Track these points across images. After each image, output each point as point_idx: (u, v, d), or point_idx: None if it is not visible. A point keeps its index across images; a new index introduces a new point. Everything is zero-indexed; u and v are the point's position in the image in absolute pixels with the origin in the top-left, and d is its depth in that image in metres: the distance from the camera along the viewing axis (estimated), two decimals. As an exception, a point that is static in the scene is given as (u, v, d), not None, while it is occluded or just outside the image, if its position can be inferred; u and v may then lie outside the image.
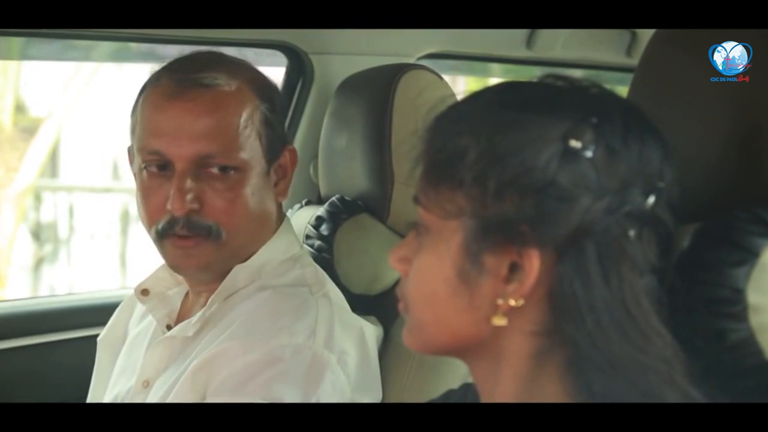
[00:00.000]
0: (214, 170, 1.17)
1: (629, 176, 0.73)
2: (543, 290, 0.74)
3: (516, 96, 0.77)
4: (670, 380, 0.72)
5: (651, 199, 0.74)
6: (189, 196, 1.15)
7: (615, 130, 0.73)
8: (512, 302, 0.74)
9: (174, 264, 1.22)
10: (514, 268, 0.74)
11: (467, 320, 0.76)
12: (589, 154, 0.72)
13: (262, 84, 1.24)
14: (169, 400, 1.16)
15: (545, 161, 0.72)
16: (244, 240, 1.21)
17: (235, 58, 1.27)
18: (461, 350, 0.80)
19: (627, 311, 0.73)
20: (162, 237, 1.19)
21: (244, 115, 1.19)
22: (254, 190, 1.19)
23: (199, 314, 1.22)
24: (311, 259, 1.30)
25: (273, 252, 1.25)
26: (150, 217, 1.20)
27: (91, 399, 1.39)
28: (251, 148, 1.19)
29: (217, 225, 1.17)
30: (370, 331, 1.25)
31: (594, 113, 0.74)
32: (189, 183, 1.16)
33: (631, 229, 0.73)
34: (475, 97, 0.79)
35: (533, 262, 0.73)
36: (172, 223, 1.17)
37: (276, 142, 1.23)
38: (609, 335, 0.72)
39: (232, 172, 1.17)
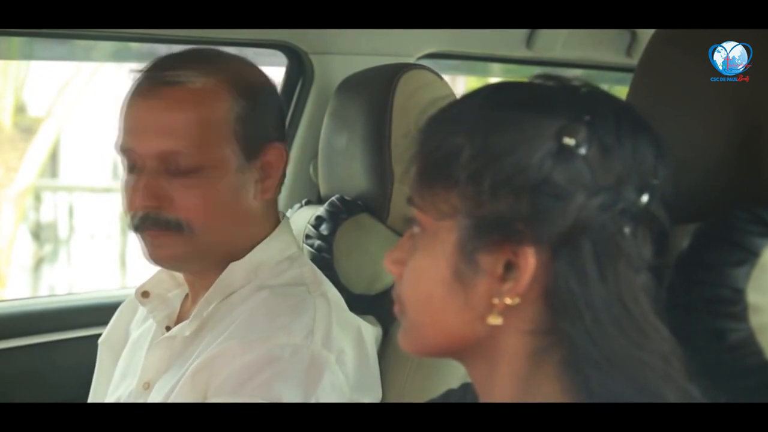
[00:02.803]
0: (180, 167, 1.16)
1: (623, 173, 0.73)
2: (539, 288, 0.73)
3: (508, 96, 0.77)
4: (667, 377, 0.72)
5: (645, 196, 0.74)
6: (149, 193, 1.16)
7: (608, 127, 0.73)
8: (508, 301, 0.74)
9: (148, 257, 1.22)
10: (509, 267, 0.74)
11: (463, 320, 0.76)
12: (583, 151, 0.72)
13: (243, 81, 1.22)
14: (170, 401, 1.16)
15: (539, 159, 0.72)
16: (218, 236, 1.20)
17: (224, 54, 1.27)
18: (458, 351, 0.79)
19: (624, 307, 0.73)
20: (136, 231, 1.20)
21: (214, 113, 1.18)
22: (226, 187, 1.19)
23: (195, 311, 1.22)
24: (308, 259, 1.30)
25: (270, 251, 1.24)
26: (126, 213, 1.22)
27: (92, 401, 1.39)
28: (221, 146, 1.18)
29: (181, 219, 1.17)
30: (369, 330, 1.25)
31: (586, 111, 0.74)
32: (151, 180, 1.16)
33: (626, 227, 0.73)
34: (467, 98, 0.79)
35: (529, 261, 0.72)
36: (143, 218, 1.18)
37: (256, 139, 1.21)
38: (607, 331, 0.72)
39: (200, 169, 1.17)
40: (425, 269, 0.77)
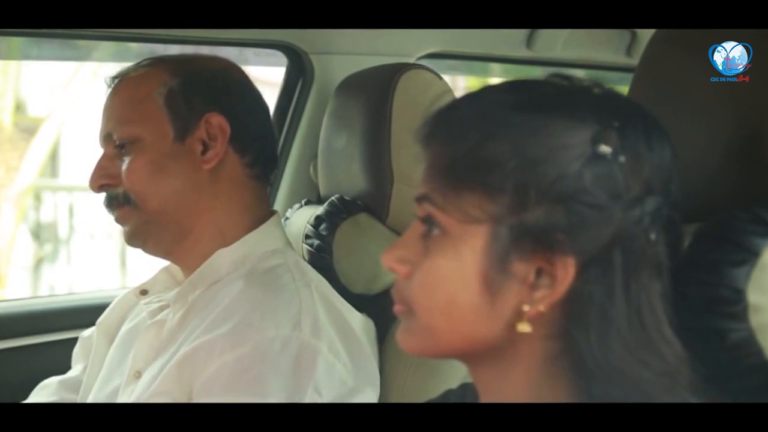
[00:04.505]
0: (117, 145, 1.26)
1: (651, 179, 0.73)
2: (563, 295, 0.73)
3: (537, 97, 0.75)
4: (671, 391, 0.72)
5: (667, 201, 0.74)
6: (99, 173, 1.27)
7: (638, 133, 0.73)
8: (541, 308, 0.73)
9: (124, 238, 1.31)
10: (538, 274, 0.73)
11: (487, 326, 0.74)
12: (618, 158, 0.72)
13: (183, 63, 1.30)
14: (154, 387, 1.17)
15: (579, 167, 0.71)
16: (162, 204, 1.26)
17: (183, 53, 1.36)
18: (471, 355, 0.77)
19: (639, 319, 0.72)
20: (109, 213, 1.30)
21: (143, 93, 1.27)
22: (158, 158, 1.25)
23: (178, 292, 1.25)
24: (294, 252, 1.31)
25: (257, 243, 1.27)
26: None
27: (86, 380, 1.40)
28: (149, 121, 1.26)
29: (127, 192, 1.26)
30: (358, 321, 1.25)
31: (616, 117, 0.73)
32: (102, 160, 1.28)
33: (652, 233, 0.73)
34: (489, 96, 0.76)
35: (569, 270, 0.72)
36: (105, 198, 1.29)
37: (188, 113, 1.26)
38: (610, 346, 0.72)
39: (132, 144, 1.25)
40: (447, 273, 0.74)
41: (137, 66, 1.31)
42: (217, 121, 1.26)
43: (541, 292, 0.73)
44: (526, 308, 0.73)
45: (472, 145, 0.73)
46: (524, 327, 0.73)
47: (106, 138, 1.28)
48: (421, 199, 0.76)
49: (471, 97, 0.77)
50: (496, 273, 0.73)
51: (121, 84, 1.30)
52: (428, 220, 0.76)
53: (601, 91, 0.76)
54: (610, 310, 0.72)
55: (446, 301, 0.75)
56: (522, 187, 0.71)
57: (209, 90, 1.28)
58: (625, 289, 0.72)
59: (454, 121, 0.76)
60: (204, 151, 1.26)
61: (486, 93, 0.77)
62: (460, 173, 0.74)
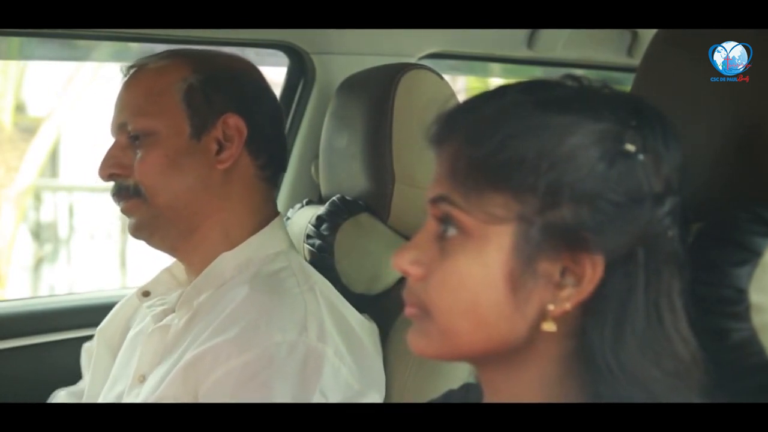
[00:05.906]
0: (132, 136, 1.25)
1: (670, 178, 0.73)
2: None
3: (554, 98, 0.75)
4: (676, 390, 0.72)
5: (680, 198, 0.74)
6: (109, 162, 1.26)
7: (656, 132, 0.74)
8: (568, 306, 0.72)
9: (128, 230, 1.30)
10: (563, 273, 0.73)
11: (509, 326, 0.74)
12: (642, 157, 0.72)
13: (204, 59, 1.29)
14: (160, 392, 1.17)
15: (604, 166, 0.71)
16: (171, 199, 1.25)
17: (201, 49, 1.36)
18: (488, 356, 0.77)
19: (659, 316, 0.73)
20: (116, 203, 1.29)
21: (162, 85, 1.26)
22: (172, 153, 1.24)
23: (182, 297, 1.25)
24: (298, 254, 1.31)
25: (260, 246, 1.27)
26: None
27: (88, 391, 1.39)
28: (166, 115, 1.25)
29: (138, 184, 1.25)
30: (361, 324, 1.25)
31: (634, 117, 0.73)
32: (113, 150, 1.27)
33: (671, 230, 0.73)
34: (508, 96, 0.76)
35: (597, 269, 0.72)
36: (113, 188, 1.28)
37: (207, 111, 1.26)
38: (624, 342, 0.72)
39: (146, 136, 1.24)
40: (470, 274, 0.73)
41: (157, 57, 1.29)
42: (234, 122, 1.26)
43: (566, 291, 0.72)
44: (551, 307, 0.73)
45: (496, 145, 0.73)
46: (550, 326, 0.73)
47: (120, 128, 1.27)
48: (438, 200, 0.75)
49: (487, 97, 0.77)
50: (523, 273, 0.72)
51: (139, 74, 1.28)
52: (445, 221, 0.75)
53: (613, 92, 0.76)
54: (629, 308, 0.72)
55: (469, 302, 0.74)
56: (550, 187, 0.71)
57: (229, 90, 1.27)
58: (646, 287, 0.72)
59: (473, 121, 0.75)
60: (219, 151, 1.25)
61: (503, 93, 0.76)
62: (485, 173, 0.73)
